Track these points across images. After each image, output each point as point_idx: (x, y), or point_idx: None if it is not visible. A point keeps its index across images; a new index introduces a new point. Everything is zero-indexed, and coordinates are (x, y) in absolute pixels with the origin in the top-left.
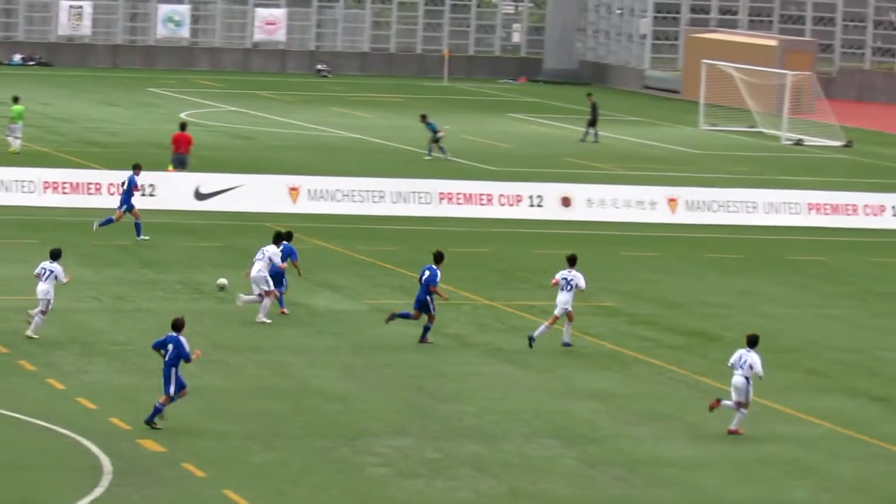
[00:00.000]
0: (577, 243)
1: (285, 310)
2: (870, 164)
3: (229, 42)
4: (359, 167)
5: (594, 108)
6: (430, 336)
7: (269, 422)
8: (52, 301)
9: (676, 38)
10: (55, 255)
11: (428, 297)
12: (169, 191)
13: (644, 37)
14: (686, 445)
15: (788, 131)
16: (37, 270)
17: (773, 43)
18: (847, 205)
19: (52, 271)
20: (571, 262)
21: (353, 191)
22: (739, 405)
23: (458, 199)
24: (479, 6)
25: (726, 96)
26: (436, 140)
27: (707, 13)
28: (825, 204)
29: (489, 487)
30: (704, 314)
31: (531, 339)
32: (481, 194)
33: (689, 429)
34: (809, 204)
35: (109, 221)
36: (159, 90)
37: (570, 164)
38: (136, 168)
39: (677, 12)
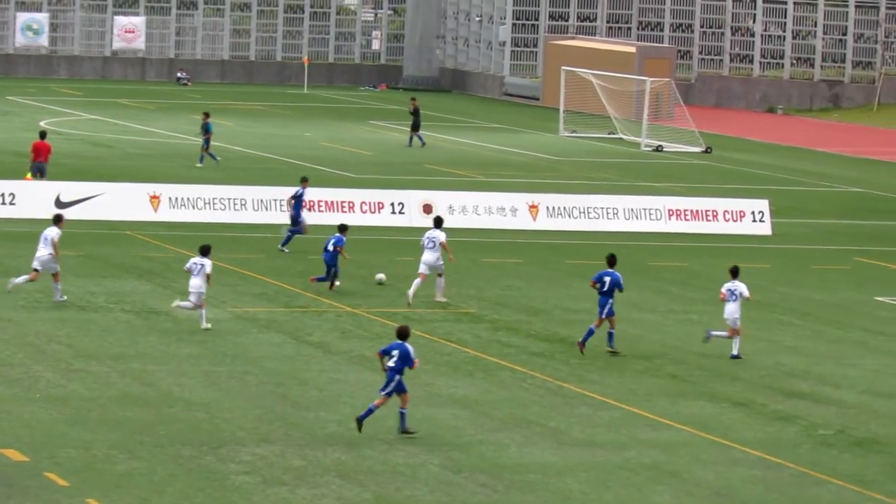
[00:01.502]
0: None
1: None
2: (729, 170)
3: (88, 50)
4: (220, 175)
5: (416, 113)
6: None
7: (133, 430)
8: (203, 294)
9: (536, 45)
10: (205, 251)
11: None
12: (29, 199)
13: (503, 44)
14: (549, 451)
15: (648, 137)
16: (188, 266)
17: (631, 50)
18: (707, 210)
19: (202, 266)
20: (734, 273)
21: (214, 199)
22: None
23: (321, 206)
24: (338, 14)
25: (586, 103)
26: (206, 144)
27: (566, 20)
28: (685, 210)
29: (354, 495)
30: (567, 320)
31: (709, 335)
32: (343, 201)
33: (552, 435)
34: (670, 210)
35: None
36: (18, 98)
37: (432, 171)
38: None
39: (536, 19)
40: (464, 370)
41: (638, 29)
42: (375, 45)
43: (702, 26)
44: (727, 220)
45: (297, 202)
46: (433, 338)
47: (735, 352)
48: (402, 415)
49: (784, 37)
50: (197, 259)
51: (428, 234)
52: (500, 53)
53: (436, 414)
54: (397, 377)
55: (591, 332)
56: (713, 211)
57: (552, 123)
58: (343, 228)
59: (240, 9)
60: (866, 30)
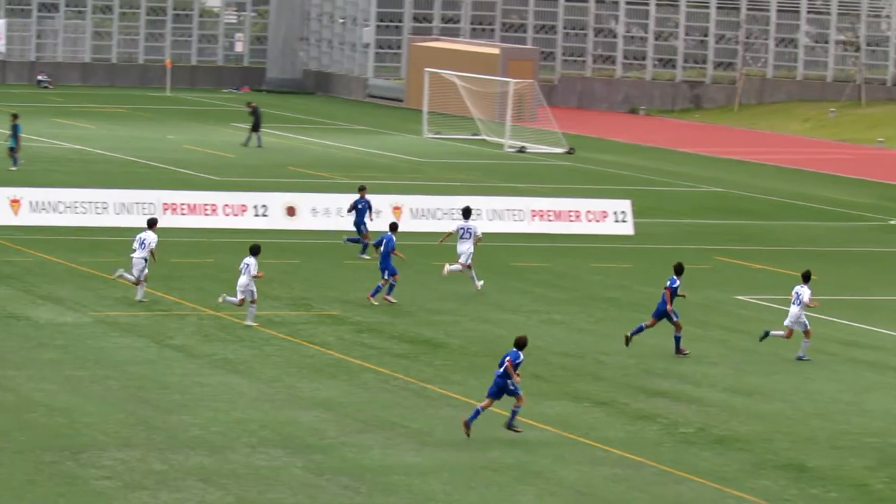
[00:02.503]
0: (302, 252)
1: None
2: (592, 171)
3: None
4: (81, 178)
5: (255, 113)
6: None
7: None
8: (252, 292)
9: (399, 47)
10: (255, 251)
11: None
12: None
13: (367, 45)
14: (413, 452)
15: (511, 139)
16: (241, 266)
17: (495, 51)
18: (570, 211)
19: (247, 265)
20: (805, 278)
21: (75, 202)
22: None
23: (183, 209)
24: (201, 16)
25: (450, 104)
26: (12, 148)
27: (430, 22)
28: (548, 210)
29: (216, 498)
30: (430, 322)
31: (766, 334)
32: (205, 204)
33: (415, 436)
34: (533, 210)
35: None
36: None
37: (295, 173)
38: None
39: (400, 21)
40: (326, 372)
41: (501, 31)
42: (239, 48)
43: (565, 28)
44: (590, 221)
45: (358, 212)
46: (296, 340)
47: (801, 353)
48: (514, 413)
49: (646, 38)
50: (247, 258)
51: (460, 224)
52: (363, 55)
53: (298, 416)
54: (507, 382)
55: (640, 328)
56: (576, 212)
57: (416, 125)
58: (393, 227)
59: (101, 11)
60: (727, 31)
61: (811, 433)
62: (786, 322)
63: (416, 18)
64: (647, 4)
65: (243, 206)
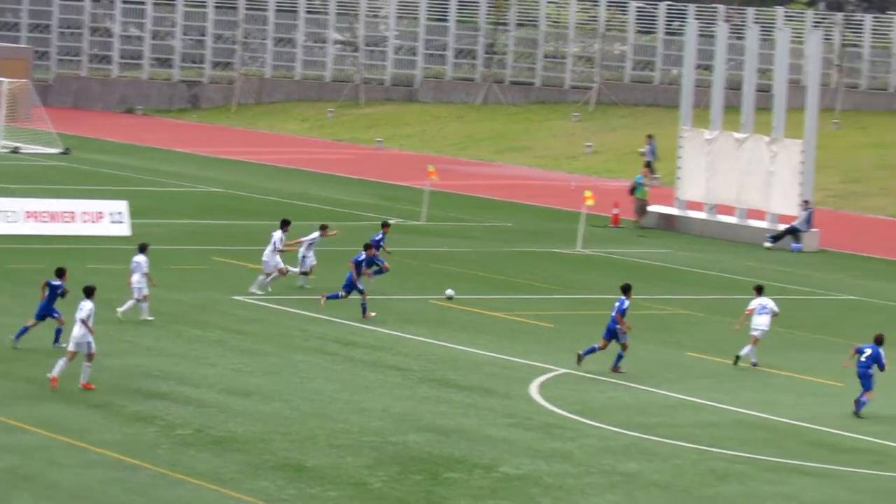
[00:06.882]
0: None
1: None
2: (88, 171)
3: None
4: None
5: None
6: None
7: None
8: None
9: None
10: (142, 249)
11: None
12: None
13: None
14: None
15: (4, 139)
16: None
17: None
18: (65, 212)
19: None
20: (759, 290)
21: None
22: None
23: None
24: None
25: None
26: None
27: None
28: (43, 212)
29: None
30: None
31: (738, 357)
32: None
33: None
34: (27, 212)
35: None
36: None
37: None
38: None
39: None
40: None
41: None
42: None
43: (60, 27)
44: (85, 222)
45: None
46: None
47: (753, 359)
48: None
49: (143, 37)
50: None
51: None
52: None
53: None
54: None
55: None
56: (71, 213)
57: None
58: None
59: None
60: (225, 30)
61: (310, 433)
62: (756, 333)
63: None
64: (143, 4)
65: None
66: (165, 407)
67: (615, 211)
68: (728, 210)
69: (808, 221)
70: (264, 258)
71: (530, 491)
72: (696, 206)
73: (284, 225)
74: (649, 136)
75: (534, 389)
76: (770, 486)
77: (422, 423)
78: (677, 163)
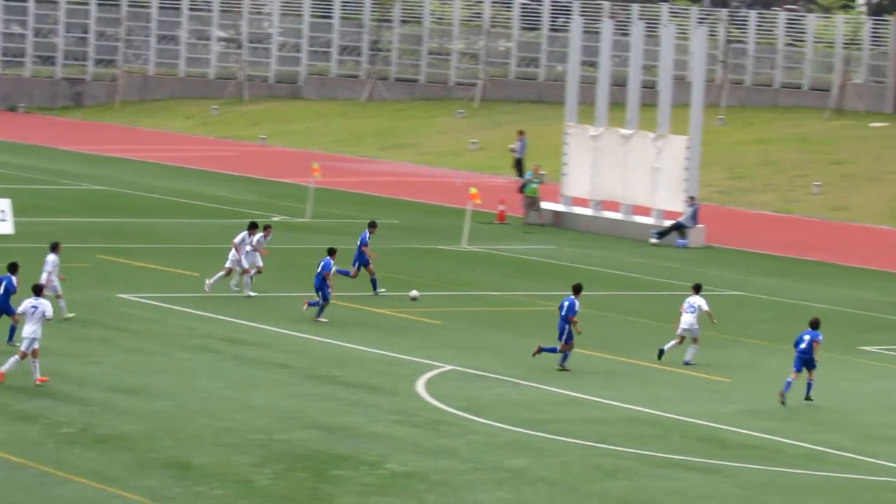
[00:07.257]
0: None
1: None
2: None
3: None
4: None
5: None
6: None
7: None
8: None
9: None
10: (53, 248)
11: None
12: None
13: None
14: None
15: None
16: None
17: None
18: None
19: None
20: (697, 289)
21: None
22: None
23: None
24: None
25: None
26: None
27: None
28: None
29: None
30: None
31: (662, 351)
32: None
33: None
34: None
35: None
36: None
37: None
38: None
39: None
40: None
41: None
42: None
43: None
44: None
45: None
46: None
47: (686, 358)
48: (809, 385)
49: (25, 35)
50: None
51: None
52: None
53: None
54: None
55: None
56: None
57: None
58: (332, 252)
59: None
60: (108, 27)
61: (196, 431)
62: (679, 331)
63: None
64: (26, 1)
65: None
66: (50, 405)
67: (501, 207)
68: (614, 206)
69: (694, 217)
70: (243, 258)
71: (417, 488)
72: (582, 202)
73: (253, 227)
74: (520, 132)
75: (420, 386)
76: (658, 481)
77: (308, 421)
78: (563, 159)
